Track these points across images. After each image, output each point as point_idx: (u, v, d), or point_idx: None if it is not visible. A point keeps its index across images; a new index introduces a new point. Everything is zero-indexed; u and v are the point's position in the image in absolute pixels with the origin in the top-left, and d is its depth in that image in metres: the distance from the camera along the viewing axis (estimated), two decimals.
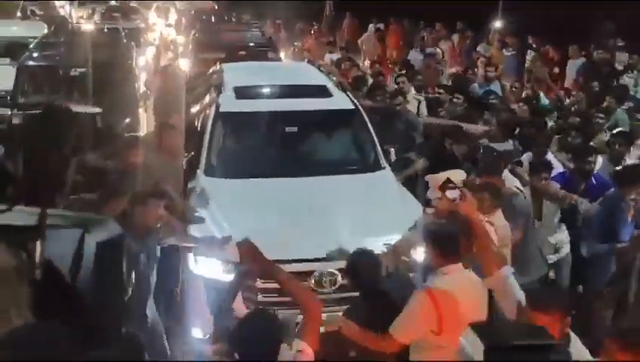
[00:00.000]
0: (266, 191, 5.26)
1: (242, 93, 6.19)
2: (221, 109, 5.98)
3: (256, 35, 12.34)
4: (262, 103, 6.09)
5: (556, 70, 11.45)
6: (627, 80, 9.81)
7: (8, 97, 8.82)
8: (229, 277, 4.28)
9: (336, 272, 4.56)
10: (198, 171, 5.61)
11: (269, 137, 5.93)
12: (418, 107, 7.91)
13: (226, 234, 4.54)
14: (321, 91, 6.27)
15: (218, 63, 7.71)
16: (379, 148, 5.91)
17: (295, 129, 5.93)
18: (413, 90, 8.48)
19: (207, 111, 6.13)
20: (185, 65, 10.94)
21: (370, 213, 4.88)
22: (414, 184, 5.83)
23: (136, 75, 9.86)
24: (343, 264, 4.30)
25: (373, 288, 3.68)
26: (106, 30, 13.42)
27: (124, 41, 11.70)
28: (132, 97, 9.00)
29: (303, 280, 4.34)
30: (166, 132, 5.47)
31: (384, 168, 5.77)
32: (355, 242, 4.36)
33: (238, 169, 5.62)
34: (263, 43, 11.68)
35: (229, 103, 6.05)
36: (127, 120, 8.23)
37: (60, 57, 9.61)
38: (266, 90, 6.39)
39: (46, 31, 12.96)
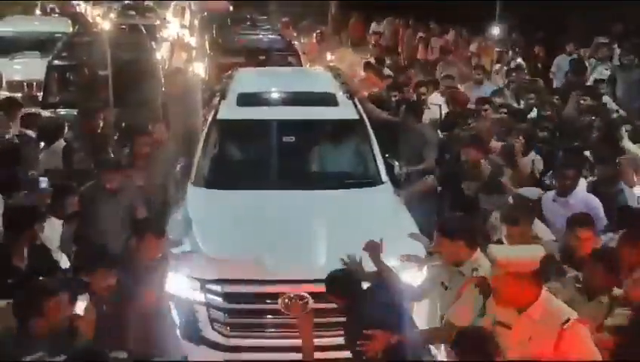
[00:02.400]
0: (251, 205, 5.00)
1: (245, 99, 5.96)
2: (218, 116, 5.78)
3: (275, 39, 12.22)
4: (261, 111, 5.82)
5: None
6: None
7: (39, 95, 9.13)
8: (197, 296, 4.29)
9: (307, 296, 4.27)
10: (189, 181, 5.41)
11: (264, 147, 5.71)
12: (440, 113, 7.58)
13: (199, 250, 4.41)
14: (328, 100, 6.00)
15: (233, 68, 7.49)
16: (380, 161, 5.60)
17: (292, 139, 5.66)
18: (435, 95, 8.23)
19: (208, 118, 5.96)
20: (201, 69, 11.06)
21: (356, 233, 4.46)
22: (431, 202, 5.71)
23: (160, 74, 10.24)
24: (315, 287, 4.16)
25: (355, 302, 3.72)
26: (126, 28, 13.74)
27: (147, 39, 12.09)
28: (157, 96, 9.20)
29: (271, 303, 4.21)
30: (137, 141, 5.71)
31: (384, 183, 5.46)
32: (331, 264, 4.13)
33: (228, 180, 5.39)
34: (283, 47, 11.51)
35: (228, 110, 5.84)
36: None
37: (88, 56, 9.74)
38: (270, 97, 6.13)
39: (71, 28, 13.37)
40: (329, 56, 12.18)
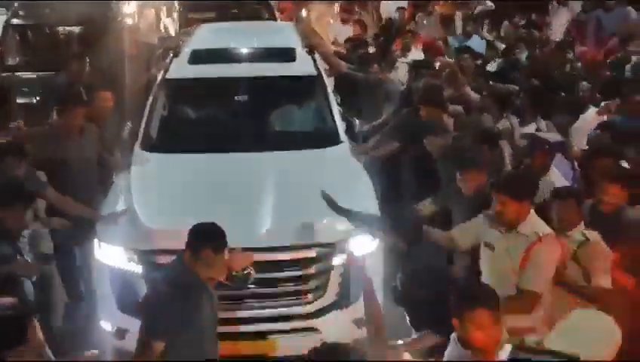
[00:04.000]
0: (198, 169, 4.74)
1: (198, 57, 5.67)
2: (167, 75, 5.50)
3: None
4: (213, 69, 5.50)
5: None
6: None
7: None
8: (135, 267, 4.06)
9: (249, 266, 4.03)
10: (136, 145, 5.14)
11: (215, 107, 5.48)
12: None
13: (137, 219, 4.20)
14: (286, 55, 5.71)
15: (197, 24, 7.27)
16: (339, 120, 5.35)
17: (245, 97, 5.40)
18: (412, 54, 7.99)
19: (158, 78, 5.66)
20: (170, 25, 10.68)
21: (306, 196, 4.33)
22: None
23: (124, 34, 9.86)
24: (259, 256, 3.96)
25: None
26: None
27: None
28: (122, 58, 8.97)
29: None
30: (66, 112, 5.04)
31: (342, 143, 5.21)
32: (277, 231, 4.05)
33: (175, 143, 5.14)
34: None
35: (178, 69, 5.55)
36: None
37: (49, 14, 9.52)
38: (225, 54, 5.81)
39: None
40: (304, 13, 11.72)
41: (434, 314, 3.18)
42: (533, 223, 3.60)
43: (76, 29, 8.95)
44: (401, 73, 7.46)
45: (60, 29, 9.09)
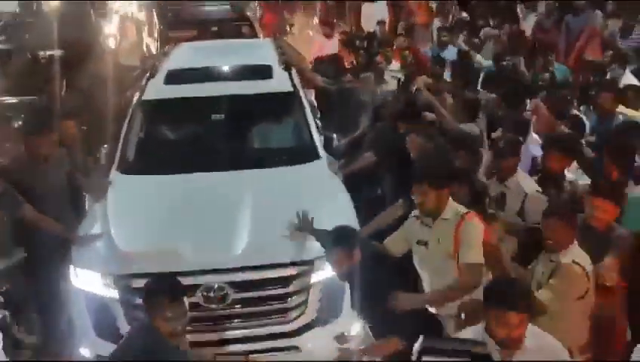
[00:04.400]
0: (175, 190, 4.71)
1: (173, 77, 5.65)
2: (143, 97, 5.49)
3: (226, 9, 11.71)
4: (188, 89, 5.48)
5: None
6: None
7: None
8: (110, 292, 4.03)
9: (227, 286, 4.05)
10: (113, 167, 5.12)
11: (192, 127, 5.46)
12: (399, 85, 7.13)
13: (112, 243, 4.17)
14: (262, 72, 5.68)
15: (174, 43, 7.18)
16: (316, 135, 5.35)
17: (222, 116, 5.38)
18: (393, 66, 7.97)
19: (134, 100, 5.65)
20: (152, 45, 10.66)
21: (286, 212, 4.31)
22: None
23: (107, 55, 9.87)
24: (236, 276, 3.99)
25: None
26: (73, 6, 13.26)
27: (93, 17, 11.66)
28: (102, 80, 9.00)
29: (189, 296, 3.81)
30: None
31: (319, 158, 5.18)
32: (254, 250, 4.04)
33: (152, 164, 5.09)
34: (235, 17, 11.09)
35: (154, 90, 5.53)
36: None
37: (30, 38, 9.53)
38: (201, 73, 5.78)
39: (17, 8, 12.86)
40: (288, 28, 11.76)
41: (388, 324, 3.31)
42: (454, 208, 3.70)
43: (58, 53, 8.96)
44: (391, 85, 7.44)
45: (41, 52, 9.11)
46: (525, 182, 4.47)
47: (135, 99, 5.59)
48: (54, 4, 12.48)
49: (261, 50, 6.65)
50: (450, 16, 11.09)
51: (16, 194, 4.52)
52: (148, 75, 5.89)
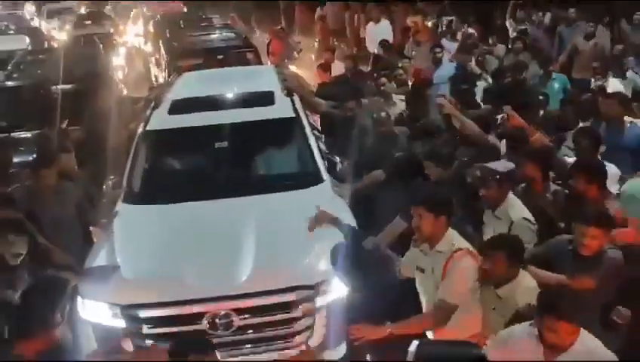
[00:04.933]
0: (181, 219, 4.75)
1: (177, 107, 5.72)
2: (147, 127, 5.56)
3: (231, 37, 11.98)
4: (192, 118, 5.54)
5: None
6: None
7: None
8: (118, 322, 4.04)
9: (232, 313, 4.09)
10: (119, 198, 5.18)
11: (196, 155, 5.51)
12: None
13: (118, 273, 4.20)
14: (264, 99, 5.74)
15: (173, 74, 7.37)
16: (319, 159, 5.37)
17: (226, 144, 5.42)
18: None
19: (139, 130, 5.71)
20: (160, 75, 10.87)
21: (289, 237, 4.37)
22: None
23: (116, 86, 10.06)
24: (241, 303, 4.04)
25: None
26: (82, 41, 13.57)
27: (102, 51, 11.90)
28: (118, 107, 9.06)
29: (194, 324, 4.01)
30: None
31: (323, 182, 5.20)
32: (258, 276, 4.06)
33: (158, 194, 5.13)
34: (240, 44, 11.29)
35: (158, 120, 5.60)
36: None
37: (40, 74, 9.60)
38: (204, 102, 5.84)
39: (28, 45, 13.17)
40: (296, 55, 11.88)
41: None
42: (449, 240, 3.66)
43: (67, 87, 9.13)
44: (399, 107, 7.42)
45: (53, 87, 9.29)
46: (514, 209, 4.25)
47: (140, 130, 5.68)
48: (64, 40, 12.88)
49: (263, 77, 6.71)
50: (459, 34, 11.16)
51: (27, 222, 4.61)
52: (152, 105, 5.98)
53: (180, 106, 5.76)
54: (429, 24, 12.73)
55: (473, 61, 8.97)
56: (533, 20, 11.37)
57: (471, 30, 11.06)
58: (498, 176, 4.25)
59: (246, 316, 4.14)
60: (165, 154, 5.57)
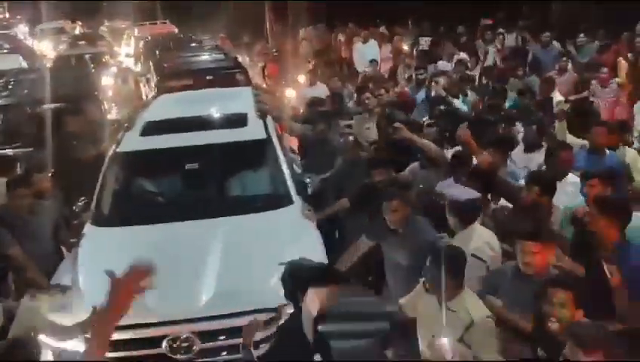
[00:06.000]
0: (146, 241, 4.71)
1: (149, 128, 5.74)
2: (118, 149, 5.57)
3: (221, 58, 12.10)
4: (163, 139, 5.54)
5: None
6: None
7: None
8: (78, 346, 3.97)
9: (193, 336, 4.07)
10: (88, 220, 5.18)
11: (166, 177, 5.51)
12: None
13: (79, 295, 4.21)
14: (237, 121, 5.77)
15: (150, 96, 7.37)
16: (289, 180, 5.37)
17: (196, 165, 5.42)
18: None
19: (110, 152, 5.71)
20: (150, 94, 10.65)
21: (255, 259, 4.39)
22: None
23: (103, 106, 10.11)
24: (202, 326, 4.01)
25: None
26: (73, 60, 13.70)
27: (92, 70, 12.00)
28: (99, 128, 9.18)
29: (155, 347, 3.98)
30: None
31: (293, 203, 5.20)
32: (219, 298, 4.04)
33: (125, 216, 5.13)
34: (230, 65, 11.34)
35: (129, 142, 5.62)
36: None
37: (29, 94, 9.77)
38: (176, 124, 5.86)
39: (22, 64, 13.32)
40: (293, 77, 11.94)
41: None
42: (464, 299, 3.50)
43: (53, 106, 9.19)
44: None
45: (40, 107, 9.35)
46: (473, 241, 4.06)
47: (111, 151, 5.69)
48: (54, 60, 12.97)
49: (239, 99, 6.72)
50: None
51: (7, 234, 4.78)
52: (125, 126, 6.00)
53: (153, 128, 5.77)
54: (405, 46, 12.92)
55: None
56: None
57: (463, 55, 11.15)
58: (460, 206, 4.17)
59: (207, 339, 4.12)
60: (135, 176, 5.57)
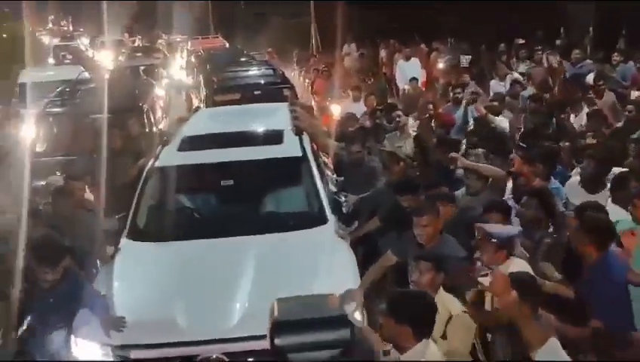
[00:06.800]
0: (181, 258, 4.73)
1: (187, 143, 5.77)
2: (156, 164, 5.59)
3: (269, 73, 12.10)
4: (199, 155, 5.57)
5: None
6: None
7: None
8: None
9: (223, 357, 4.04)
10: (124, 234, 5.20)
11: (202, 193, 5.52)
12: None
13: (113, 310, 4.23)
14: (273, 138, 5.76)
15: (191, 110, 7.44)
16: (324, 199, 5.29)
17: (231, 182, 5.43)
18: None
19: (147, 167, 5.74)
20: (201, 107, 11.24)
21: (288, 278, 4.31)
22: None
23: (151, 117, 10.32)
24: (234, 346, 4.00)
25: None
26: (128, 72, 14.03)
27: (143, 81, 12.23)
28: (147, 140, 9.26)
29: None
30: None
31: (327, 223, 5.12)
32: (251, 318, 3.99)
33: (161, 231, 5.16)
34: (277, 81, 11.37)
35: (167, 157, 5.64)
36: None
37: (80, 103, 9.97)
38: (213, 139, 5.87)
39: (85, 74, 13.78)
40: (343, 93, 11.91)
41: None
42: (440, 295, 3.67)
43: (103, 116, 9.42)
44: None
45: (90, 116, 9.58)
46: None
47: (148, 166, 5.74)
48: (108, 71, 13.31)
49: (276, 115, 6.69)
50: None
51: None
52: (164, 140, 6.05)
53: (190, 143, 5.81)
54: (442, 64, 12.76)
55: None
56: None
57: (517, 75, 10.91)
58: (495, 241, 3.98)
59: (239, 359, 4.09)
60: (171, 192, 5.59)
